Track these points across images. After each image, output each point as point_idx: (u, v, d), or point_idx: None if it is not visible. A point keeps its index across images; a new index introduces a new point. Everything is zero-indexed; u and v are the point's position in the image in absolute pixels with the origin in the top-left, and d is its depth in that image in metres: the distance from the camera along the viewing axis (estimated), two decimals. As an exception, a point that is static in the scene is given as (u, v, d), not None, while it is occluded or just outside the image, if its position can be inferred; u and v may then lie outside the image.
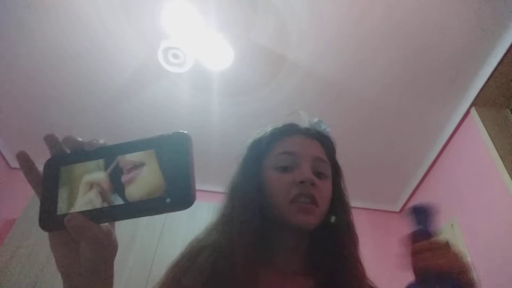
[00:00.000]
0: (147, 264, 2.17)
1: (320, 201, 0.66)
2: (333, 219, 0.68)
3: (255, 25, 2.04)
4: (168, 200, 0.36)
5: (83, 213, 0.38)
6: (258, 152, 0.75)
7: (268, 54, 2.15)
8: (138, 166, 0.39)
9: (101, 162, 0.40)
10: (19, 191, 2.76)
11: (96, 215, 0.38)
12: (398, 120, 2.44)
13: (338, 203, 0.72)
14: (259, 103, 2.43)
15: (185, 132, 0.39)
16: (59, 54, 2.24)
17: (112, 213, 0.38)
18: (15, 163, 2.96)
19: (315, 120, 0.80)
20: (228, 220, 0.68)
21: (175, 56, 1.98)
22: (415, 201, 2.88)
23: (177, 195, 0.37)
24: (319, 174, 0.69)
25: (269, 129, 0.79)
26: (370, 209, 2.96)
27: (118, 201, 0.38)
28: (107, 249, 0.41)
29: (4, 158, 2.91)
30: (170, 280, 0.64)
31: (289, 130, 0.76)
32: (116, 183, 0.39)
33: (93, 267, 0.40)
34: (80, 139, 0.41)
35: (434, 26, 1.95)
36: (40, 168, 0.42)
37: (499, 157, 1.95)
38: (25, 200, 2.44)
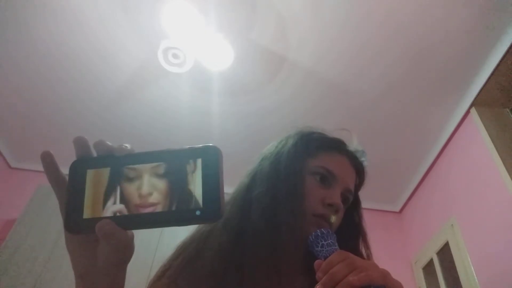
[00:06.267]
0: (147, 264, 2.17)
1: (333, 227, 0.69)
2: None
3: (255, 25, 2.04)
4: (198, 212, 0.37)
5: (112, 218, 0.38)
6: (307, 147, 0.74)
7: (268, 54, 2.15)
8: None
9: (129, 168, 0.40)
10: (19, 191, 2.77)
11: (124, 222, 0.38)
12: (398, 120, 2.44)
13: (349, 231, 0.75)
14: (259, 103, 2.43)
15: (216, 146, 0.40)
16: (59, 54, 2.24)
17: (140, 221, 0.38)
18: (15, 163, 2.96)
19: (360, 148, 0.81)
20: (246, 203, 0.66)
21: (175, 56, 1.98)
22: (413, 203, 2.87)
23: (207, 208, 0.37)
24: (342, 203, 0.71)
25: (321, 132, 0.79)
26: (370, 209, 2.96)
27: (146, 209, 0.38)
28: (127, 254, 0.41)
29: (4, 158, 2.91)
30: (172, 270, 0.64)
31: (339, 147, 0.77)
32: (144, 190, 0.39)
33: (110, 269, 0.41)
34: (110, 143, 0.42)
35: (435, 26, 1.95)
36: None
37: (499, 157, 1.95)
38: (25, 200, 2.45)
